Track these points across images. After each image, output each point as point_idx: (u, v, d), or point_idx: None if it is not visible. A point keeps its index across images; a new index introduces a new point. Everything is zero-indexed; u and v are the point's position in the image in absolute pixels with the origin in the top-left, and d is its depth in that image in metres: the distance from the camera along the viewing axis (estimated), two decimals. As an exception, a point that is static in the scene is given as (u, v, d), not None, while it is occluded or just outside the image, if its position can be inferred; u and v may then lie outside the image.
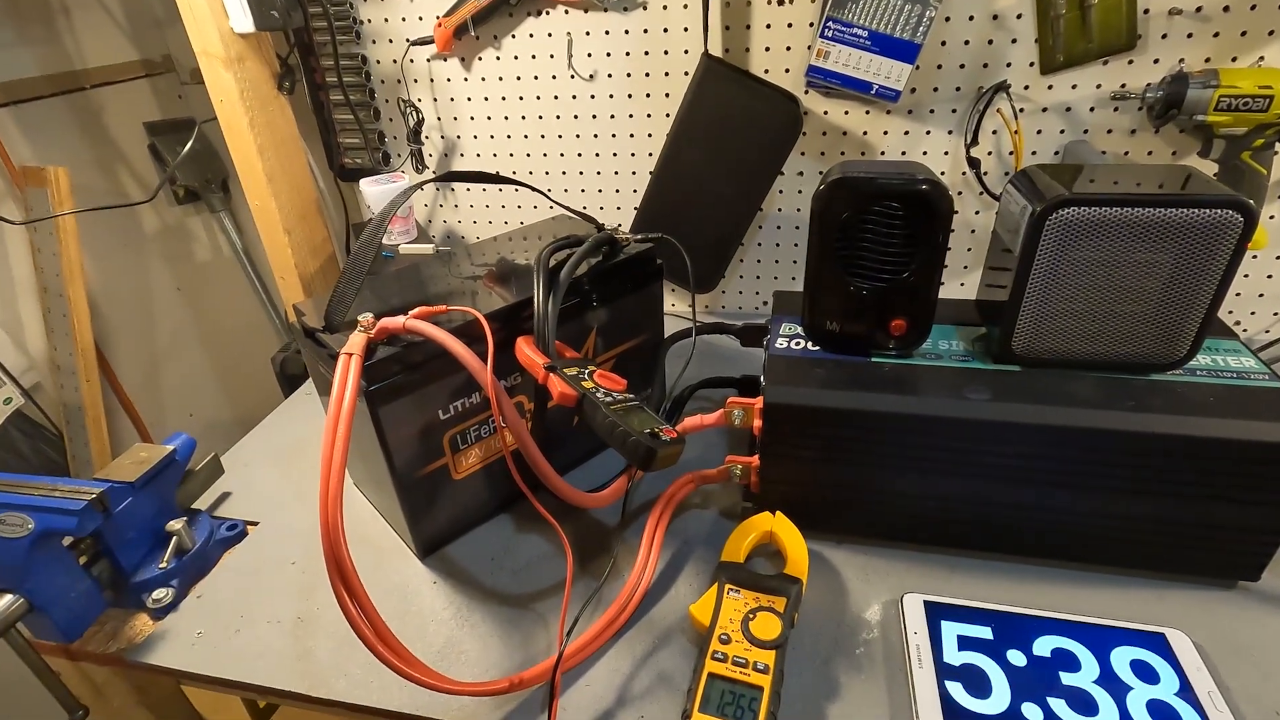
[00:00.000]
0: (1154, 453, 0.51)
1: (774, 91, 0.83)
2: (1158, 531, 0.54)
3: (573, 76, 0.90)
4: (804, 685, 0.50)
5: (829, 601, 0.56)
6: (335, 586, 0.43)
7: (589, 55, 0.89)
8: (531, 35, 0.89)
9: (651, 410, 0.55)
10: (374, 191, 0.88)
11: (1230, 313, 0.88)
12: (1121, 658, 0.49)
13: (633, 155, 0.94)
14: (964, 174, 0.85)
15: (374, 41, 0.93)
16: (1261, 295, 0.87)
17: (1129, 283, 0.51)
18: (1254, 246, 0.76)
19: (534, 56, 0.90)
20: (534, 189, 0.73)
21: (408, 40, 0.91)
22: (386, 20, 0.91)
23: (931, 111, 0.84)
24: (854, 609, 0.56)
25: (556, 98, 0.92)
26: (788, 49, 0.84)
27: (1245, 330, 0.89)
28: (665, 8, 0.84)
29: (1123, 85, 0.78)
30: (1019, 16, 0.77)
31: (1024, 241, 0.52)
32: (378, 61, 0.94)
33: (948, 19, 0.79)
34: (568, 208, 0.75)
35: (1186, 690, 0.47)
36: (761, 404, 0.57)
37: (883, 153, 0.87)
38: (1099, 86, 0.79)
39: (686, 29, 0.85)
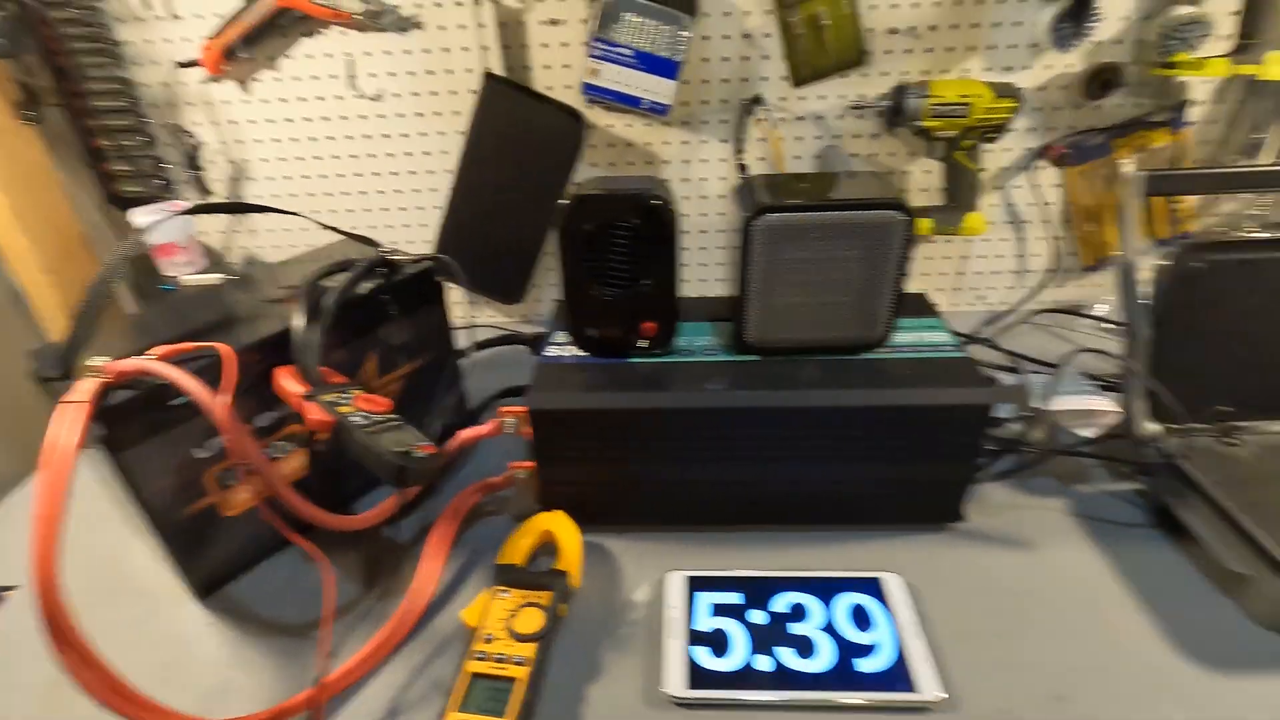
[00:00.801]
0: (863, 422, 0.58)
1: (556, 107, 0.87)
2: (877, 490, 0.62)
3: (358, 96, 0.90)
4: (569, 670, 0.53)
5: (604, 588, 0.60)
6: (55, 647, 0.42)
7: (373, 75, 0.89)
8: (310, 56, 0.88)
9: (431, 423, 0.56)
10: (144, 222, 0.84)
11: (973, 289, 1.01)
12: (844, 603, 0.57)
13: (431, 173, 0.95)
14: (741, 179, 0.93)
15: (139, 64, 0.88)
16: (996, 272, 1.00)
17: (832, 276, 0.59)
18: (974, 232, 0.88)
19: (315, 77, 0.89)
20: (288, 213, 0.72)
21: (175, 63, 0.88)
22: (149, 42, 0.87)
23: (705, 122, 0.91)
24: (625, 592, 0.60)
25: (345, 118, 0.91)
26: (566, 67, 0.88)
27: (987, 302, 1.02)
28: (444, 28, 0.86)
29: (861, 96, 0.88)
30: (767, 35, 0.85)
31: (741, 244, 0.58)
32: (146, 85, 0.90)
33: (706, 38, 0.85)
34: (343, 231, 0.75)
35: (891, 624, 0.55)
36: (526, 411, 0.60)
37: (666, 162, 0.93)
38: (842, 97, 0.88)
39: (467, 49, 0.87)
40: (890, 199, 0.55)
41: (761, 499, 0.63)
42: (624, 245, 0.59)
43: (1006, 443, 0.66)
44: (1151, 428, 0.64)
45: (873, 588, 0.58)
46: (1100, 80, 0.83)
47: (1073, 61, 0.85)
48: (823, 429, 0.59)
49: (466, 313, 1.05)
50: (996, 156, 0.91)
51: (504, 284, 0.97)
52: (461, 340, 0.78)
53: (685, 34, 0.80)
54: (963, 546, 0.63)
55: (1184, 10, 0.78)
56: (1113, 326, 0.93)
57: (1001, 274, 1.00)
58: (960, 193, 0.87)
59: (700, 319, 0.70)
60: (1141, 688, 0.50)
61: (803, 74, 0.86)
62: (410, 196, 0.97)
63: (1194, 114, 0.88)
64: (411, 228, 0.99)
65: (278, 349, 0.58)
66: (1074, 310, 0.97)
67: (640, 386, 0.60)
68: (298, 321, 0.58)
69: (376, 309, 0.67)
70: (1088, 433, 0.65)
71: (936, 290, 1.02)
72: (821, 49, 0.84)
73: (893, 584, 0.58)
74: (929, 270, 1.00)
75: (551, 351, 0.66)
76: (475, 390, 0.82)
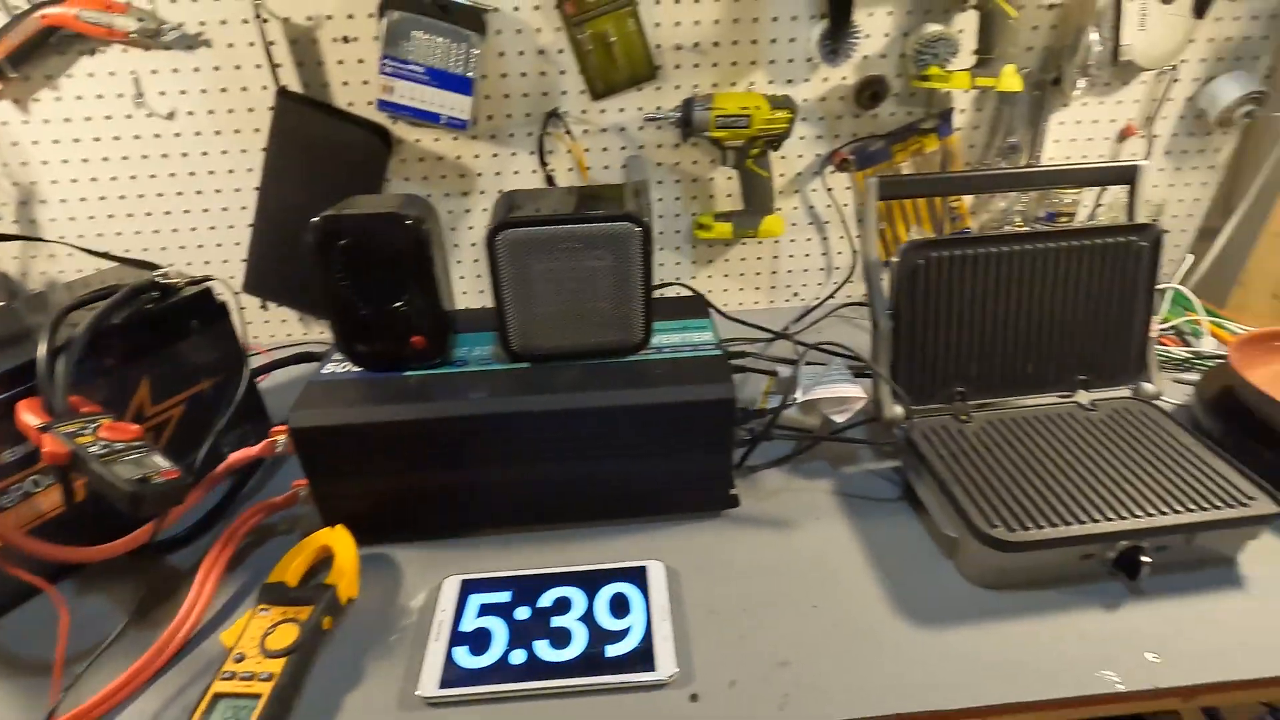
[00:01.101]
0: (617, 421, 0.62)
1: (355, 123, 0.87)
2: (646, 484, 0.66)
3: (149, 115, 0.88)
4: (331, 680, 0.54)
5: (382, 598, 0.62)
6: None
7: (162, 94, 0.87)
8: (92, 74, 0.85)
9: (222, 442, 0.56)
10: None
11: (788, 285, 1.08)
12: (606, 594, 0.60)
13: (238, 191, 0.94)
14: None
15: (-101, 84, 0.83)
16: (806, 270, 1.07)
17: (584, 285, 0.62)
18: (771, 234, 0.94)
19: (100, 96, 0.86)
20: (33, 239, 0.70)
21: (-60, 83, 0.83)
22: (-94, 61, 0.82)
23: (511, 135, 0.93)
24: (402, 600, 0.61)
25: (137, 138, 0.89)
26: (366, 83, 0.88)
27: (801, 298, 1.09)
28: (232, 45, 0.85)
29: (658, 108, 0.92)
30: (560, 51, 0.88)
31: (488, 258, 0.60)
32: (-90, 106, 0.85)
33: (502, 54, 0.88)
34: (115, 256, 0.73)
35: (645, 610, 0.58)
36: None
37: (479, 174, 0.95)
38: (640, 109, 0.92)
39: (260, 66, 0.86)
40: (626, 212, 0.59)
41: (538, 500, 0.66)
42: (377, 264, 0.60)
43: (765, 428, 0.71)
44: (895, 411, 0.71)
45: (636, 576, 0.62)
46: (869, 92, 0.91)
47: (846, 74, 0.92)
48: (583, 429, 0.62)
49: (296, 331, 1.04)
50: (791, 163, 0.98)
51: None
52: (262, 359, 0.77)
53: (475, 51, 0.82)
54: (730, 531, 0.67)
55: (933, 28, 0.85)
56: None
57: (811, 271, 1.07)
58: (755, 198, 0.93)
59: (482, 329, 0.72)
60: (858, 647, 0.56)
61: (599, 88, 0.89)
62: (219, 216, 0.95)
63: (959, 121, 0.96)
64: (225, 247, 0.97)
65: (24, 380, 0.57)
66: (874, 303, 1.05)
67: (405, 399, 0.61)
68: (41, 351, 0.57)
69: (147, 334, 0.66)
70: (840, 418, 0.71)
71: (754, 289, 1.08)
72: (613, 64, 0.87)
73: (654, 571, 0.62)
74: (745, 270, 1.06)
75: (329, 368, 0.67)
76: (282, 410, 0.82)
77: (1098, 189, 1.00)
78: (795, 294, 1.08)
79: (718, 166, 0.97)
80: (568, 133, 0.92)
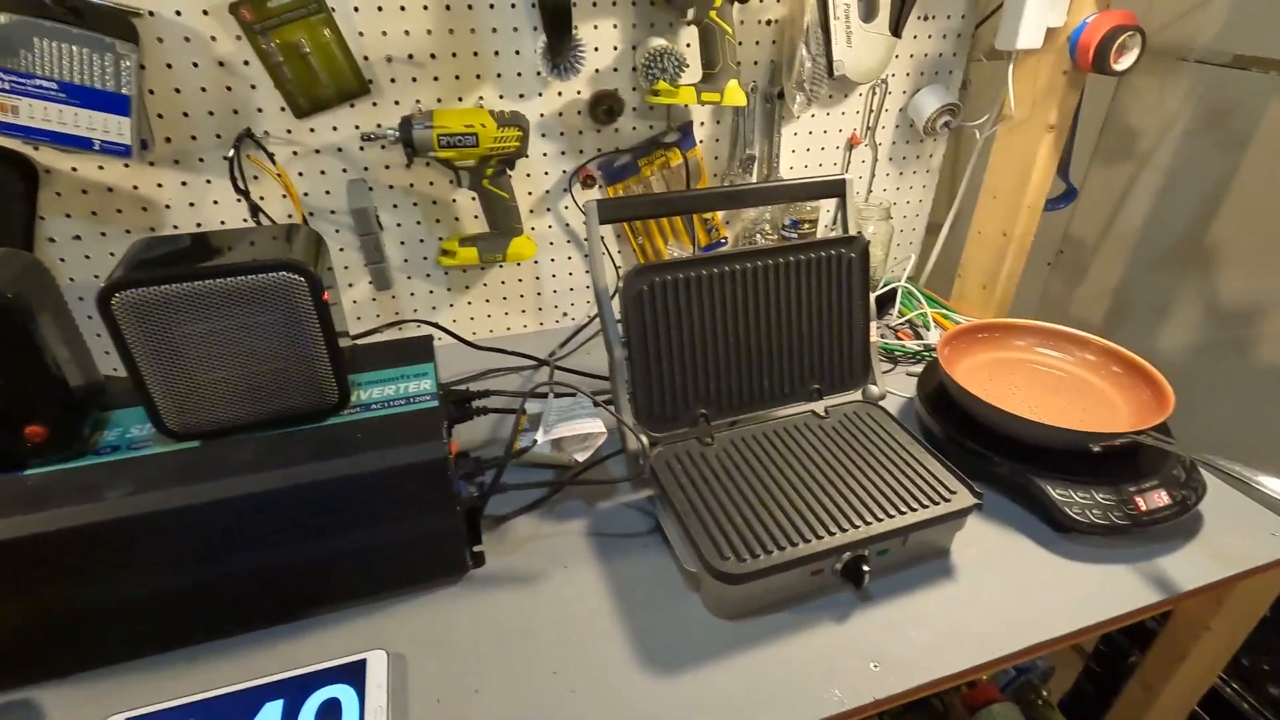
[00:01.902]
0: (309, 501, 0.53)
1: (-24, 152, 0.70)
2: (362, 561, 0.57)
3: None
4: None
5: (5, 767, 0.48)
6: None
7: None
8: None
9: None
10: None
11: (556, 306, 1.04)
12: (314, 703, 0.51)
13: None
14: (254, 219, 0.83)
15: None
16: (571, 289, 1.03)
17: (249, 345, 0.52)
18: (522, 257, 0.89)
19: None
20: None
21: None
22: None
23: (201, 160, 0.79)
24: (38, 763, 0.49)
25: None
26: (-16, 101, 0.71)
27: (571, 318, 1.05)
28: None
29: (379, 125, 0.83)
30: (246, 63, 0.76)
31: (105, 322, 0.49)
32: None
33: (170, 65, 0.74)
34: None
35: (360, 713, 0.50)
36: None
37: (167, 207, 0.81)
38: (357, 128, 0.83)
39: None
40: (285, 260, 0.50)
41: (224, 603, 0.55)
42: (-54, 343, 0.46)
43: (493, 481, 0.65)
44: (637, 442, 0.68)
45: (351, 674, 0.53)
46: (604, 106, 0.88)
47: (581, 88, 0.88)
48: (266, 517, 0.52)
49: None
50: (538, 180, 0.93)
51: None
52: None
53: (127, 63, 0.68)
54: (471, 598, 0.61)
55: (657, 43, 0.84)
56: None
57: (577, 290, 1.03)
58: (499, 220, 0.87)
59: (147, 402, 0.59)
60: (595, 713, 0.52)
61: (302, 105, 0.79)
62: None
63: (701, 133, 0.97)
64: None
65: None
66: (642, 318, 1.03)
67: (15, 510, 0.48)
68: None
69: None
70: (581, 456, 0.68)
71: (520, 312, 1.02)
72: (314, 78, 0.77)
73: (374, 664, 0.54)
74: (509, 294, 1.00)
75: (-86, 478, 0.51)
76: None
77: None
78: (565, 314, 1.04)
79: (457, 187, 0.89)
80: (271, 156, 0.80)
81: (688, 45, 0.88)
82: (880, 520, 0.60)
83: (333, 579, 0.57)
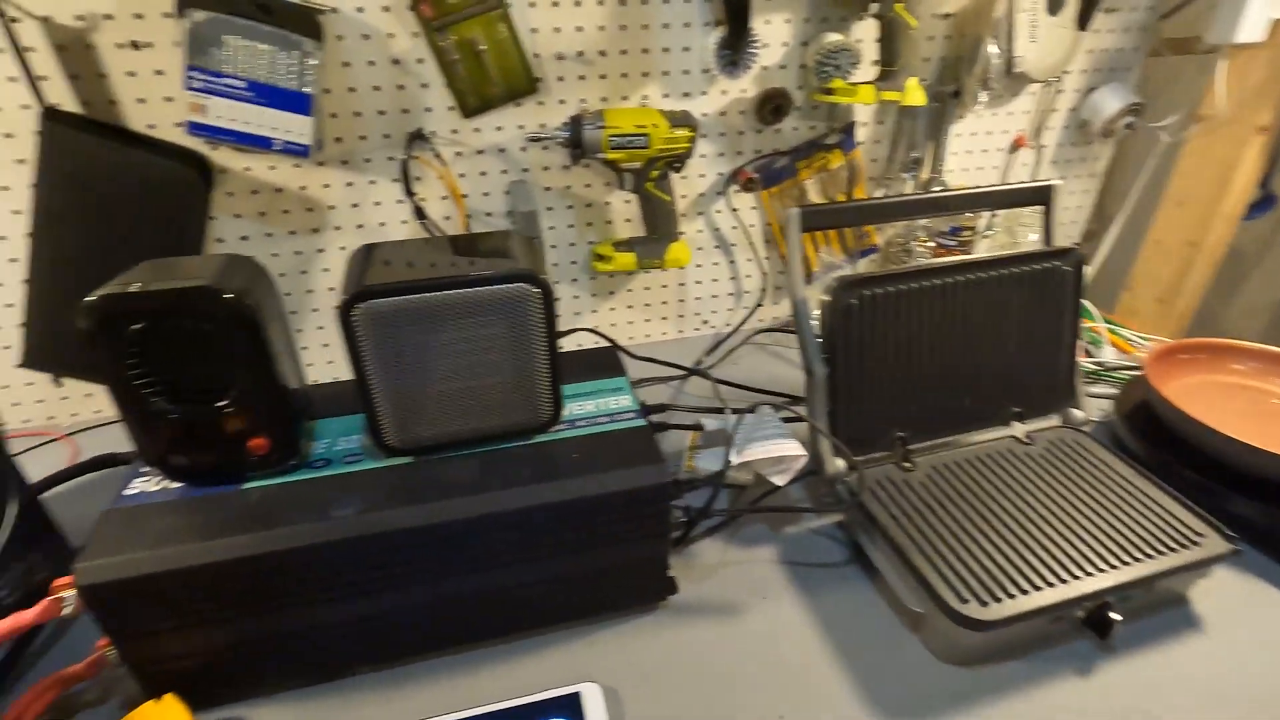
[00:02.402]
0: (527, 523, 0.50)
1: (160, 151, 0.69)
2: (568, 587, 0.54)
3: None
4: None
5: (231, 788, 0.47)
6: None
7: None
8: None
9: None
10: None
11: (696, 314, 1.00)
12: (533, 740, 0.48)
13: (4, 239, 0.72)
14: (421, 223, 0.81)
15: None
16: (715, 296, 0.99)
17: (474, 359, 0.50)
18: (678, 263, 0.85)
19: None
20: None
21: None
22: None
23: (367, 160, 0.78)
24: (260, 789, 0.47)
25: None
26: (169, 100, 0.70)
27: (712, 326, 1.01)
28: (-32, 51, 0.64)
29: (542, 125, 0.80)
30: (420, 61, 0.74)
31: (343, 334, 0.46)
32: None
33: (347, 64, 0.72)
34: None
35: (585, 754, 0.47)
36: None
37: (332, 208, 0.79)
38: (521, 127, 0.80)
39: (13, 79, 0.66)
40: (521, 270, 0.47)
41: (432, 624, 0.53)
42: (189, 354, 0.45)
43: (706, 504, 0.62)
44: (837, 464, 0.64)
45: (567, 708, 0.50)
46: (771, 105, 0.84)
47: (746, 87, 0.84)
48: (485, 540, 0.50)
49: (108, 405, 0.84)
50: (693, 183, 0.89)
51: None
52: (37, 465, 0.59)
53: (312, 61, 0.67)
54: (671, 627, 0.58)
55: (833, 38, 0.79)
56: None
57: (720, 297, 0.99)
58: (658, 224, 0.83)
59: (350, 411, 0.58)
60: (834, 764, 0.48)
61: (471, 104, 0.76)
62: (-24, 273, 0.73)
63: (861, 134, 0.92)
64: (-10, 312, 0.76)
65: None
66: (788, 328, 0.99)
67: (241, 527, 0.46)
68: None
69: None
70: (780, 480, 0.63)
71: (660, 319, 0.98)
72: (485, 76, 0.75)
73: (590, 698, 0.51)
74: (651, 300, 0.97)
75: (137, 486, 0.50)
76: (82, 523, 0.63)
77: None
78: (705, 321, 1.00)
79: (613, 189, 0.86)
80: (437, 156, 0.78)
81: (858, 40, 0.83)
82: (1127, 565, 0.54)
83: (536, 604, 0.55)
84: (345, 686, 0.53)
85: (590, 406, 0.58)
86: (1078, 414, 0.71)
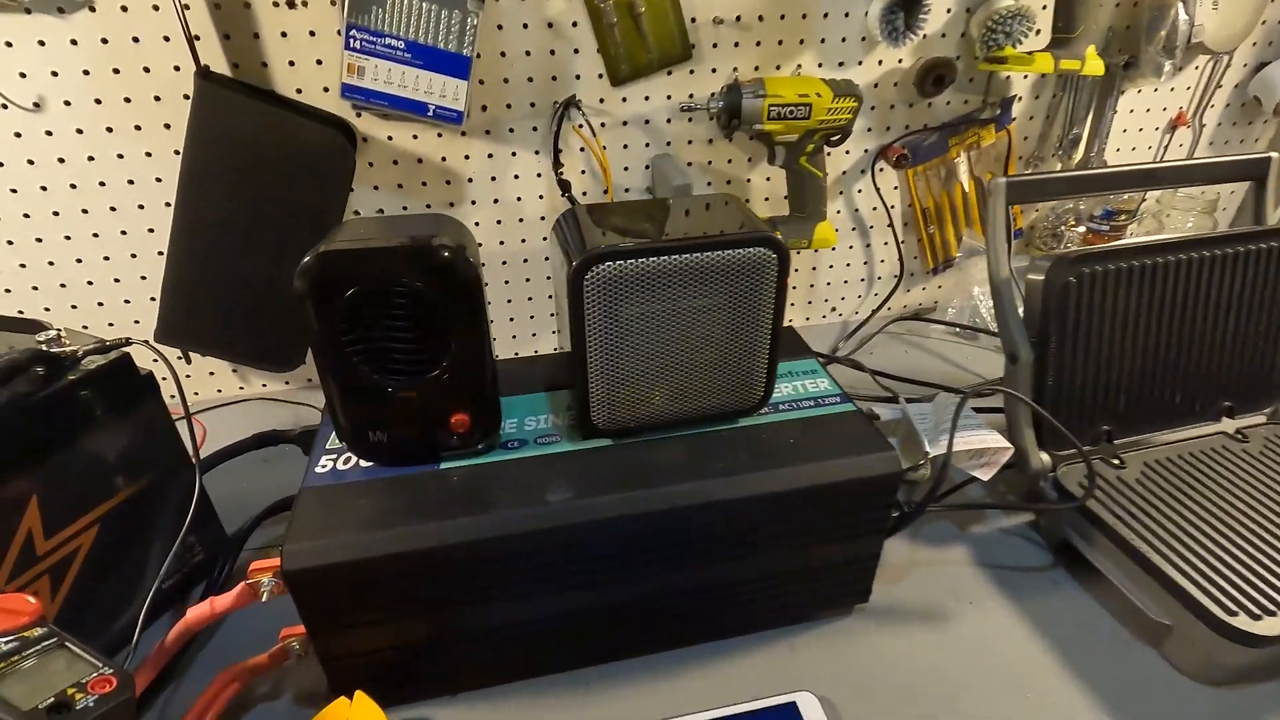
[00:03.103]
0: (748, 515, 0.45)
1: (309, 116, 0.66)
2: (775, 586, 0.50)
3: (4, 107, 0.63)
4: None
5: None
6: None
7: (23, 76, 0.62)
8: (-92, 49, 0.60)
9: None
10: None
11: (825, 300, 0.95)
12: (758, 753, 0.44)
13: (140, 209, 0.70)
14: (564, 197, 0.77)
15: None
16: (846, 281, 0.94)
17: (693, 331, 0.45)
18: (825, 244, 0.80)
19: (-75, 80, 0.61)
20: None
21: None
22: None
23: (511, 131, 0.74)
24: (465, 795, 0.43)
25: (-12, 138, 0.64)
26: (319, 63, 0.67)
27: (839, 314, 0.96)
28: (126, 9, 0.61)
29: (691, 95, 0.76)
30: (575, 25, 0.70)
31: (570, 302, 0.42)
32: None
33: (500, 27, 0.69)
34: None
35: (819, 771, 0.43)
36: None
37: (469, 180, 0.76)
38: (669, 97, 0.76)
39: (168, 38, 0.63)
40: (760, 234, 0.43)
41: (632, 624, 0.49)
42: (403, 318, 0.41)
43: (925, 498, 0.56)
44: (1042, 459, 0.58)
45: (785, 717, 0.46)
46: (933, 76, 0.78)
47: (902, 57, 0.79)
48: (699, 530, 0.45)
49: (228, 385, 0.81)
50: (837, 160, 0.84)
51: (268, 346, 0.74)
52: (196, 443, 0.56)
53: (474, 21, 0.63)
54: (874, 634, 0.53)
55: (1006, 3, 0.74)
56: (963, 332, 0.90)
57: (851, 283, 0.94)
58: (808, 202, 0.78)
59: (529, 389, 0.54)
60: (1099, 793, 0.43)
61: (622, 71, 0.72)
62: (116, 242, 0.71)
63: (1014, 109, 0.86)
64: (126, 284, 0.73)
65: None
66: (925, 316, 0.93)
67: (454, 510, 0.42)
68: None
69: (32, 428, 0.44)
70: (981, 474, 0.58)
71: (789, 305, 0.93)
72: (640, 41, 0.70)
73: (807, 708, 0.46)
74: (778, 285, 0.92)
75: (327, 464, 0.47)
76: (235, 504, 0.60)
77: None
78: (833, 309, 0.95)
79: (756, 165, 0.82)
80: (584, 126, 0.74)
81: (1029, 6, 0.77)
82: (1403, 576, 0.48)
83: (742, 604, 0.50)
84: (535, 686, 0.49)
85: (788, 389, 0.54)
86: (1292, 410, 0.65)
